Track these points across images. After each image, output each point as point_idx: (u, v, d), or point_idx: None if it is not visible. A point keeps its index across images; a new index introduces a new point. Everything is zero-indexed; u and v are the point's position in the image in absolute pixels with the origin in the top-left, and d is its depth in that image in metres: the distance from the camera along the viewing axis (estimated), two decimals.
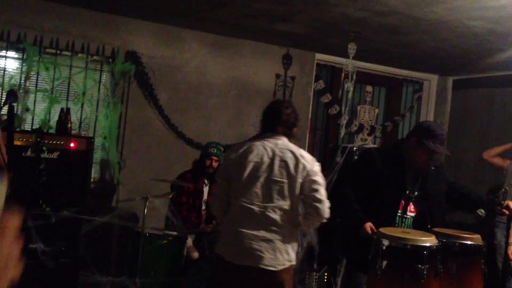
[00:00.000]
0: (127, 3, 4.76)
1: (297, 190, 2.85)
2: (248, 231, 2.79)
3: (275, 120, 2.97)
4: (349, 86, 5.40)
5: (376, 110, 6.91)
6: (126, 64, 5.21)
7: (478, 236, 3.13)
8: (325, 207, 2.84)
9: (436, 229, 3.12)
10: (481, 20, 4.09)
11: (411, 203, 3.31)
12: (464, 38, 4.70)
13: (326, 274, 4.75)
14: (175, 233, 4.26)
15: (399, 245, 2.82)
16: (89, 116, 5.19)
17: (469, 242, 3.02)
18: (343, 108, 6.12)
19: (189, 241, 4.37)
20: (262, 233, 2.79)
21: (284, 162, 2.85)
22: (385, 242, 2.82)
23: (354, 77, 5.34)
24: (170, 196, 4.43)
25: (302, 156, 2.90)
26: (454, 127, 7.25)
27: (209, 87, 5.78)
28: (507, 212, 3.17)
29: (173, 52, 5.55)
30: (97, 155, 5.15)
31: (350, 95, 5.52)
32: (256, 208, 2.81)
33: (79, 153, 4.24)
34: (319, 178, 2.89)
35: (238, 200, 2.86)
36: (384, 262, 2.80)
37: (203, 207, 4.69)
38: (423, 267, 2.77)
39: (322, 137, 6.66)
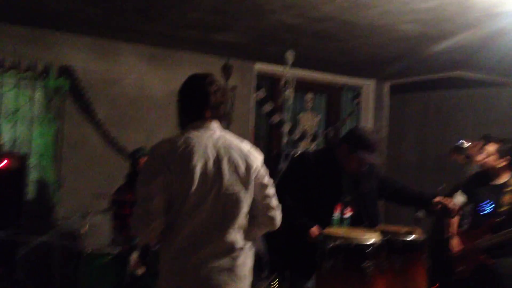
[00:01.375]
0: (59, 17, 4.62)
1: (251, 198, 2.34)
2: (203, 262, 2.18)
3: (202, 103, 2.32)
4: (289, 93, 5.43)
5: (318, 117, 7.00)
6: (60, 80, 5.07)
7: (419, 230, 3.20)
8: (279, 213, 2.42)
9: (380, 226, 3.16)
10: (412, 23, 4.22)
11: (346, 205, 3.33)
12: (396, 41, 4.84)
13: (275, 281, 4.71)
14: (117, 249, 4.12)
15: (344, 244, 2.83)
16: (23, 134, 4.99)
17: (411, 237, 3.07)
18: (284, 116, 6.15)
19: (134, 257, 4.23)
20: (222, 262, 2.22)
21: (233, 165, 2.26)
22: (330, 242, 2.82)
23: (294, 84, 5.38)
24: (110, 212, 4.30)
25: (250, 152, 2.36)
26: (393, 131, 7.45)
27: (149, 100, 5.69)
28: (439, 207, 3.23)
29: (109, 65, 5.44)
30: (34, 174, 4.94)
31: (290, 102, 5.55)
32: (211, 231, 2.22)
33: (12, 172, 4.05)
34: (268, 179, 2.41)
35: (185, 222, 2.19)
36: (331, 262, 2.80)
37: None
38: (368, 264, 2.79)
39: (265, 146, 6.68)
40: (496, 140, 3.68)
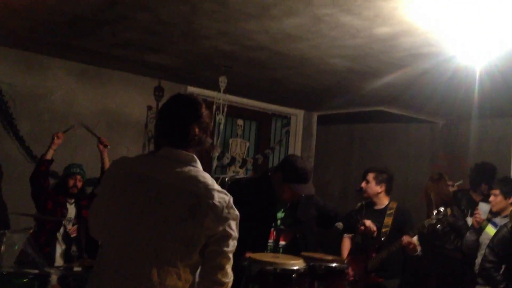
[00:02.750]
0: None
1: None
2: None
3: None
4: (220, 118, 5.49)
5: (247, 143, 7.09)
6: None
7: (341, 258, 3.31)
8: None
9: (304, 253, 3.23)
10: (340, 58, 4.41)
11: (282, 233, 3.38)
12: (325, 74, 5.03)
13: None
14: (36, 270, 3.94)
15: (270, 269, 2.86)
16: None
17: (333, 265, 3.16)
18: (215, 141, 6.19)
19: (54, 279, 4.06)
20: None
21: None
22: (256, 267, 2.85)
23: (226, 110, 5.45)
24: (31, 231, 4.13)
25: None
26: (319, 160, 7.66)
27: (76, 117, 5.54)
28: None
29: (36, 80, 5.27)
30: None
31: (221, 127, 5.61)
32: None
33: None
34: None
35: None
36: (256, 287, 2.83)
37: (70, 226, 4.60)
38: None
39: None
40: (375, 170, 4.12)
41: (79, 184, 4.66)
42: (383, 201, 4.08)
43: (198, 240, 1.88)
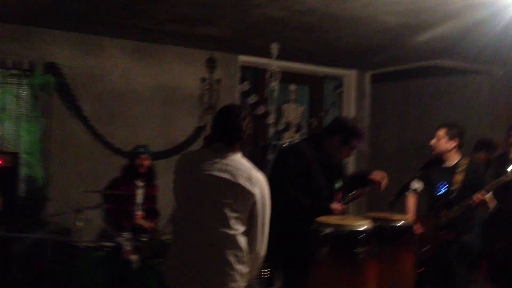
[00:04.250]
0: (43, 13, 4.61)
1: None
2: None
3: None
4: (274, 85, 5.51)
5: (301, 108, 7.09)
6: (46, 76, 5.07)
7: (408, 216, 3.32)
8: None
9: (371, 213, 3.27)
10: (392, 14, 4.32)
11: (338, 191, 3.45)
12: (378, 32, 4.94)
13: (267, 270, 4.78)
14: (111, 243, 4.17)
15: (337, 231, 2.92)
16: (10, 132, 4.98)
17: (400, 224, 3.18)
18: (269, 108, 6.23)
19: (127, 246, 4.26)
20: None
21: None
22: (324, 230, 2.91)
23: (279, 77, 5.46)
24: (105, 207, 4.34)
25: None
26: (374, 120, 7.58)
27: (134, 95, 5.71)
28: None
29: (94, 61, 5.44)
30: (23, 172, 4.95)
31: (275, 94, 5.63)
32: None
33: (4, 170, 4.06)
34: None
35: None
36: (324, 249, 2.90)
37: (139, 212, 4.65)
38: (360, 250, 2.89)
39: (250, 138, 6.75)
40: (446, 125, 3.90)
41: (146, 163, 4.68)
42: (454, 157, 3.89)
43: (245, 216, 2.42)
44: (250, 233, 2.44)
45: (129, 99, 5.68)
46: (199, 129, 6.09)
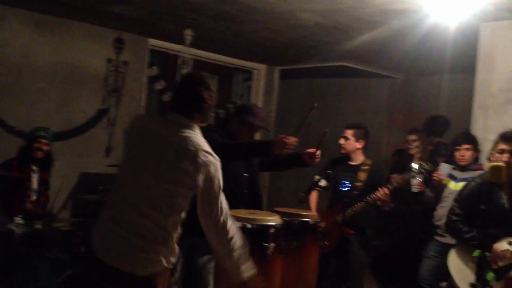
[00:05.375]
0: None
1: None
2: None
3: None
4: (185, 72, 5.38)
5: None
6: None
7: (315, 213, 3.38)
8: None
9: (279, 209, 3.28)
10: (310, 12, 4.37)
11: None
12: (293, 29, 4.98)
13: None
14: (1, 229, 3.85)
15: (247, 226, 2.89)
16: None
17: (307, 219, 3.22)
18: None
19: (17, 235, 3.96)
20: None
21: None
22: None
23: (191, 64, 5.34)
24: None
25: None
26: (280, 115, 7.68)
27: (33, 70, 5.31)
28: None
29: None
30: None
31: None
32: None
33: None
34: None
35: None
36: None
37: (33, 197, 4.35)
38: (269, 245, 2.89)
39: None
40: (353, 126, 4.10)
41: (45, 148, 4.42)
42: (359, 157, 4.10)
43: (183, 186, 2.23)
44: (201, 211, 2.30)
45: (27, 75, 5.27)
46: (101, 112, 5.80)
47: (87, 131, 5.71)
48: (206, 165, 2.23)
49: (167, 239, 2.27)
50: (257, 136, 4.28)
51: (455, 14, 3.81)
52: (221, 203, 2.31)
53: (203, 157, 2.23)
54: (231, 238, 2.33)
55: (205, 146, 2.29)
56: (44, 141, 4.42)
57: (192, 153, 2.22)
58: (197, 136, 2.31)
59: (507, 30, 4.11)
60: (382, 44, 5.16)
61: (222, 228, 2.31)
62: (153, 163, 2.25)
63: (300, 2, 4.11)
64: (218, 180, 2.28)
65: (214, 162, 2.27)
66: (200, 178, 2.22)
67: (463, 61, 5.01)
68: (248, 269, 2.37)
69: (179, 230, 2.34)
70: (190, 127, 2.31)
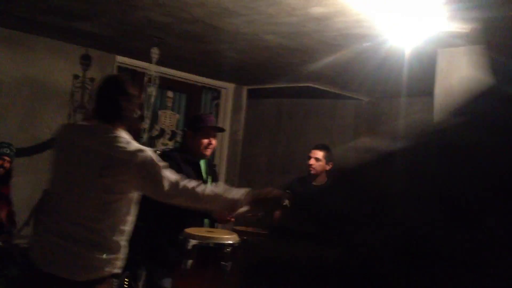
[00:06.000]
0: None
1: None
2: None
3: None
4: (152, 90, 5.41)
5: (177, 116, 7.03)
6: None
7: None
8: None
9: (238, 227, 3.32)
10: (274, 34, 4.46)
11: None
12: (258, 50, 5.07)
13: (126, 279, 4.65)
14: None
15: (204, 243, 2.92)
16: None
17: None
18: (145, 113, 6.09)
19: None
20: None
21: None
22: (192, 242, 2.89)
23: (157, 81, 5.37)
24: None
25: None
26: (248, 134, 7.75)
27: None
28: None
29: None
30: None
31: (152, 99, 5.53)
32: None
33: None
34: None
35: None
36: (190, 262, 2.87)
37: None
38: (226, 263, 2.91)
39: None
40: (322, 148, 4.17)
41: (7, 165, 4.36)
42: (324, 178, 4.19)
43: (114, 191, 2.26)
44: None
45: None
46: None
47: (52, 147, 5.65)
48: (136, 165, 2.25)
49: (105, 243, 2.29)
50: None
51: (411, 40, 3.94)
52: (165, 175, 2.31)
53: (130, 157, 2.24)
54: (198, 191, 2.35)
55: (131, 146, 2.29)
56: (7, 158, 4.36)
57: (119, 159, 2.24)
58: (120, 139, 2.29)
59: (464, 56, 4.28)
60: (345, 67, 5.29)
61: (184, 191, 2.34)
62: (80, 174, 2.28)
63: (264, 24, 4.20)
64: (152, 163, 2.28)
65: (143, 156, 2.27)
66: (134, 178, 2.27)
67: (420, 84, 5.17)
68: (237, 193, 2.41)
69: (124, 234, 2.35)
70: (113, 133, 2.30)
